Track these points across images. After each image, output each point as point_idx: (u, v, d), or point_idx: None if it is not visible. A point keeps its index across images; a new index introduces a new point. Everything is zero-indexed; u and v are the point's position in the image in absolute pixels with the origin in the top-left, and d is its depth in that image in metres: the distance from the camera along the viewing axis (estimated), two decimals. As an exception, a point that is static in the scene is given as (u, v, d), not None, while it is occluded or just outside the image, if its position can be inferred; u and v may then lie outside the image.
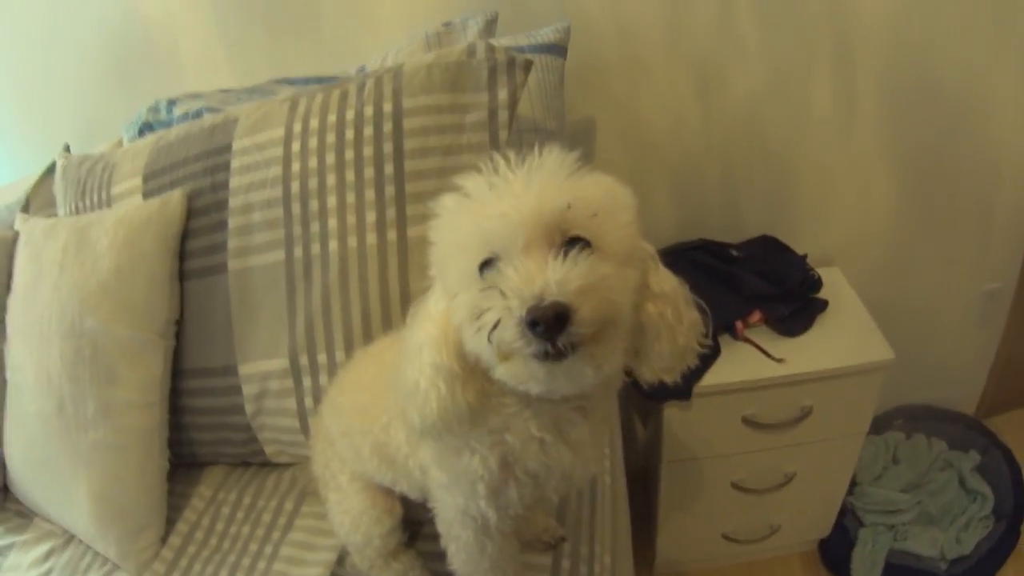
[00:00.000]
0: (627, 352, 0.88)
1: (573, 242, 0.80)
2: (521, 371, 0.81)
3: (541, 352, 0.77)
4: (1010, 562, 2.27)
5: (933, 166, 2.21)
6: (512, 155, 0.85)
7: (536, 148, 0.86)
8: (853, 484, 2.36)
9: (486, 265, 0.81)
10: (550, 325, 0.74)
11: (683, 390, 1.93)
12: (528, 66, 1.49)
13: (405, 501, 1.32)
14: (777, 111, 2.12)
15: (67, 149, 1.92)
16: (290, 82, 1.94)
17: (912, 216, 2.31)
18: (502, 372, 0.83)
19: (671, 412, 2.01)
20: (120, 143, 1.98)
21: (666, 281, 0.92)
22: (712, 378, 1.94)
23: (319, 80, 1.86)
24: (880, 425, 2.54)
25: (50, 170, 1.96)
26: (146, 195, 1.64)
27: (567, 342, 0.76)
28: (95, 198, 1.72)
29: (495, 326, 0.78)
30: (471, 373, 0.91)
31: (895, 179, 2.24)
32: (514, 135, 1.53)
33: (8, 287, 1.70)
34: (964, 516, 2.31)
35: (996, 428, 2.60)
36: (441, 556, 1.20)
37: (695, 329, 0.93)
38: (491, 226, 0.81)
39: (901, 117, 2.12)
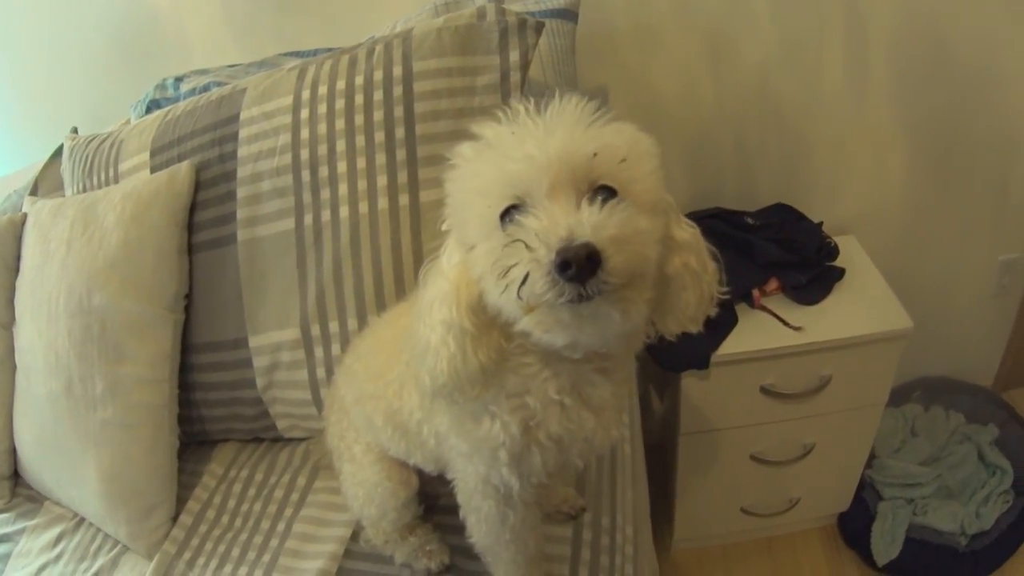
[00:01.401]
0: (650, 303, 0.85)
1: (600, 191, 0.77)
2: (547, 317, 0.78)
3: (574, 298, 0.73)
4: (1031, 538, 2.24)
5: (948, 136, 2.19)
6: (531, 103, 0.82)
7: (557, 95, 0.83)
8: (872, 457, 2.34)
9: (507, 215, 0.78)
10: (581, 265, 0.71)
11: (701, 358, 1.91)
12: (539, 28, 1.47)
13: (421, 473, 1.29)
14: (789, 80, 2.09)
15: (75, 131, 1.90)
16: (298, 55, 1.92)
17: (927, 186, 2.28)
18: (526, 322, 0.80)
19: (688, 382, 1.98)
20: (128, 123, 1.96)
21: (687, 230, 0.90)
22: (729, 347, 1.92)
23: (328, 51, 1.83)
24: (898, 397, 2.51)
25: (58, 153, 1.95)
26: (154, 169, 1.63)
27: (596, 290, 0.73)
28: (103, 176, 1.70)
29: (524, 281, 0.74)
30: (486, 330, 0.88)
31: (910, 149, 2.21)
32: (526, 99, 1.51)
33: (16, 270, 1.69)
34: (984, 490, 2.29)
35: (1014, 402, 2.59)
36: (459, 529, 1.18)
37: (715, 277, 0.92)
38: (515, 168, 0.78)
39: (914, 86, 2.10)
